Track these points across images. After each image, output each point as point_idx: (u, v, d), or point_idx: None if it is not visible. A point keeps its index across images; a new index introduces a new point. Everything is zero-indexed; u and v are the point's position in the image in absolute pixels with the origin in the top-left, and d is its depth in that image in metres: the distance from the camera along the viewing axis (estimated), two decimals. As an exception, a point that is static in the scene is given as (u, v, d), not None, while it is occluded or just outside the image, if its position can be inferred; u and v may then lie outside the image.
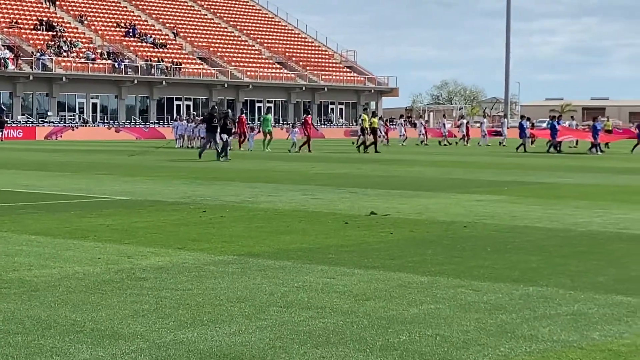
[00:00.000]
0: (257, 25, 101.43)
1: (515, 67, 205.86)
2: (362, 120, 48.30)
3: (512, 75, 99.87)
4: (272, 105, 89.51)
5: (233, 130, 41.24)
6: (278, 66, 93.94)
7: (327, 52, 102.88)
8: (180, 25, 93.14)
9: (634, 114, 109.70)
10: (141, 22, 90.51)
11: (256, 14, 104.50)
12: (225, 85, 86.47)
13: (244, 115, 52.98)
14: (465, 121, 68.93)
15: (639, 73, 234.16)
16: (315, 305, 8.46)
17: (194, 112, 70.80)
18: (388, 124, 62.39)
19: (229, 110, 43.29)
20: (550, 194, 21.59)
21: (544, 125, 63.54)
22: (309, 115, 51.49)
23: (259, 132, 48.68)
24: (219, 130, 37.14)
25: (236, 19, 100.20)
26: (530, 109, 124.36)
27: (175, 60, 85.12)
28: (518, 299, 8.84)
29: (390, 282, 9.65)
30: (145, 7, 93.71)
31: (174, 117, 61.30)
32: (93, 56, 79.76)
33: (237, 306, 8.39)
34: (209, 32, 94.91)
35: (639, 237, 13.54)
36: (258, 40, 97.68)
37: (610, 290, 9.29)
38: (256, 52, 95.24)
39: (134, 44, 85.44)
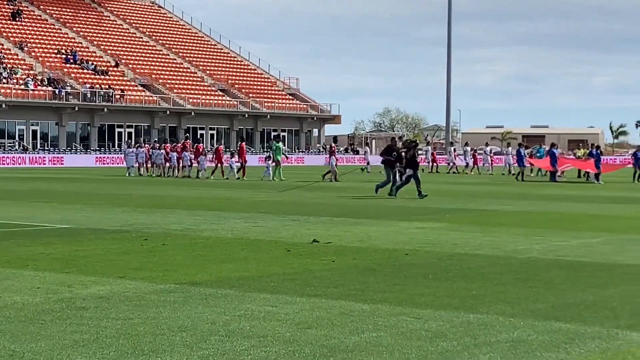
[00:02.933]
0: (200, 52, 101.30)
1: (456, 94, 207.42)
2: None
3: (453, 102, 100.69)
4: (214, 132, 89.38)
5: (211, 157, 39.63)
6: (220, 93, 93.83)
7: (269, 80, 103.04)
8: (122, 52, 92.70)
9: (572, 141, 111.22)
10: (82, 49, 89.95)
11: (198, 41, 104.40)
12: (167, 112, 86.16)
13: (244, 143, 52.28)
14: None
15: (578, 101, 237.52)
16: (257, 334, 8.46)
17: (144, 138, 70.29)
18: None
19: (417, 141, 39.11)
20: (491, 221, 21.78)
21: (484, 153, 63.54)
22: (244, 142, 51.44)
23: (273, 160, 47.17)
24: (399, 163, 31.12)
25: (178, 46, 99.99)
26: (471, 136, 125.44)
27: (117, 87, 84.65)
28: (459, 327, 8.91)
29: (332, 310, 9.68)
30: (86, 33, 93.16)
31: (129, 144, 59.43)
32: (32, 84, 79.01)
33: (179, 335, 8.36)
34: (150, 59, 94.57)
35: (577, 264, 13.72)
36: (200, 67, 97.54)
37: (549, 317, 9.40)
38: (198, 79, 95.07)
39: (75, 70, 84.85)
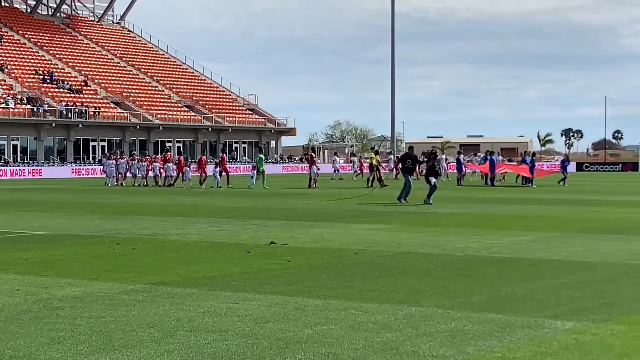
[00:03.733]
0: (166, 72, 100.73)
1: (400, 108, 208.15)
2: (371, 158, 47.07)
3: (397, 115, 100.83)
4: (180, 145, 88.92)
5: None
6: (186, 109, 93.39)
7: (230, 96, 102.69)
8: (95, 73, 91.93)
9: (505, 149, 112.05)
10: (58, 70, 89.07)
11: (165, 62, 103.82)
12: (138, 127, 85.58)
13: (224, 154, 51.47)
14: (356, 158, 69.23)
15: (509, 113, 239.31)
16: (219, 329, 8.43)
17: (121, 151, 69.57)
18: (362, 160, 64.45)
19: (436, 151, 38.13)
20: (433, 222, 21.87)
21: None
22: (224, 154, 51.08)
23: (257, 170, 46.46)
24: (422, 173, 30.13)
25: (147, 67, 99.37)
26: (415, 146, 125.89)
27: (90, 104, 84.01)
28: (402, 319, 8.94)
29: (288, 306, 9.66)
30: (61, 56, 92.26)
31: (108, 156, 58.29)
32: (12, 103, 78.14)
33: (147, 332, 8.30)
34: (122, 78, 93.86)
35: (508, 260, 13.82)
36: (167, 85, 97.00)
37: (483, 309, 9.46)
38: (166, 96, 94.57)
39: (52, 90, 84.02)
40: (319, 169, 47.55)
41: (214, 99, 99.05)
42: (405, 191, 30.00)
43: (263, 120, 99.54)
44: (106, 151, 78.87)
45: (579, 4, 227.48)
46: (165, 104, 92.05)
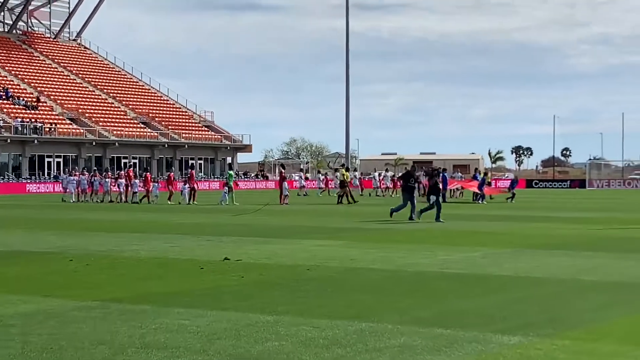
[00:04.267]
0: (123, 88, 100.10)
1: (354, 125, 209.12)
2: (342, 174, 46.92)
3: (352, 132, 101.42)
4: (137, 161, 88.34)
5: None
6: (142, 126, 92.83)
7: (187, 113, 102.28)
8: (51, 89, 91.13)
9: (457, 166, 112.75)
10: (13, 86, 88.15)
11: (121, 79, 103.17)
12: (93, 143, 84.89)
13: (193, 170, 50.29)
14: (322, 175, 69.83)
15: (460, 130, 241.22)
16: (170, 345, 8.37)
17: (84, 167, 68.82)
18: (327, 176, 65.52)
19: (440, 169, 37.09)
20: (385, 238, 21.92)
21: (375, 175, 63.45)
22: (192, 170, 50.62)
23: (228, 187, 45.85)
24: (423, 191, 29.11)
25: (103, 83, 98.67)
26: (368, 163, 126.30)
27: (46, 120, 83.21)
28: (352, 334, 8.94)
29: (240, 322, 9.63)
30: (17, 72, 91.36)
31: (70, 172, 57.00)
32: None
33: (98, 349, 8.22)
34: (78, 95, 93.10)
35: (459, 276, 13.90)
36: (123, 102, 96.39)
37: (432, 324, 9.49)
38: (122, 112, 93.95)
39: (7, 106, 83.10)
40: (289, 186, 47.53)
41: (170, 116, 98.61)
42: (419, 211, 29.13)
43: (219, 137, 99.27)
44: (62, 167, 78.11)
45: (525, 24, 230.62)
46: (121, 121, 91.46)
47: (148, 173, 52.35)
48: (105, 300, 11.21)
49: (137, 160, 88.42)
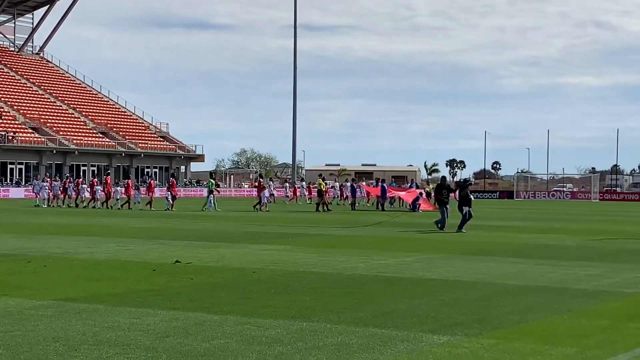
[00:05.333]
0: (83, 100, 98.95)
1: (300, 137, 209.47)
2: (319, 184, 46.94)
3: (299, 144, 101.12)
4: (95, 169, 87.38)
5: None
6: (101, 135, 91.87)
7: (143, 124, 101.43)
8: (14, 100, 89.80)
9: (396, 177, 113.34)
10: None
11: (82, 91, 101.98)
12: (54, 152, 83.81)
13: (174, 179, 49.29)
14: (288, 184, 69.70)
15: (399, 144, 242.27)
16: (121, 343, 8.28)
17: (56, 173, 67.68)
18: (296, 186, 65.03)
19: (471, 182, 35.81)
20: (326, 243, 21.94)
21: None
22: (174, 178, 49.91)
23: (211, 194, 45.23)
24: (455, 203, 28.24)
25: (64, 95, 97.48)
26: (313, 173, 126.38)
27: (9, 129, 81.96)
28: (293, 333, 8.93)
29: (188, 321, 9.56)
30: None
31: (43, 178, 55.69)
32: None
33: (52, 345, 8.10)
34: (40, 105, 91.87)
35: (393, 279, 13.96)
36: (83, 113, 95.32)
37: (368, 324, 9.52)
38: (81, 123, 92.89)
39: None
40: (268, 194, 47.45)
41: (127, 126, 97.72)
42: (442, 221, 28.37)
43: (173, 147, 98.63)
44: (24, 174, 76.97)
45: (459, 47, 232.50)
46: (81, 130, 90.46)
47: (129, 180, 51.59)
48: (61, 300, 11.06)
49: (95, 168, 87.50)
